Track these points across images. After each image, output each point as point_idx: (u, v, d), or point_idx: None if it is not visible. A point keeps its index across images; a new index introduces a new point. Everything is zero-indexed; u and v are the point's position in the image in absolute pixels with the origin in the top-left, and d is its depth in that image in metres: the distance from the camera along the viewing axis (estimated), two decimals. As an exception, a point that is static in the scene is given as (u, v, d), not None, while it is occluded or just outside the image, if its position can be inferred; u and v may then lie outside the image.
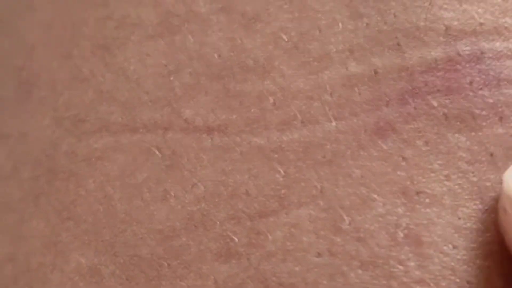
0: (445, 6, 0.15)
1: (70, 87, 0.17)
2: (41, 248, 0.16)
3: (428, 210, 0.14)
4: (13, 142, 0.18)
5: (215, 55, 0.16)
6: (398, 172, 0.14)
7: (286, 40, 0.16)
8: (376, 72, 0.15)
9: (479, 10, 0.15)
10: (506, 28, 0.15)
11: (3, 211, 0.17)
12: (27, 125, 0.17)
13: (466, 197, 0.14)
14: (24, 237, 0.16)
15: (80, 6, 0.18)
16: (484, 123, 0.14)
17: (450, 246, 0.14)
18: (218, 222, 0.15)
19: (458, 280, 0.14)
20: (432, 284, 0.14)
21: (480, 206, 0.14)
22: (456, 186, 0.14)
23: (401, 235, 0.14)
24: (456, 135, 0.14)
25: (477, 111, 0.15)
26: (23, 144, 0.17)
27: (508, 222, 0.13)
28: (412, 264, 0.14)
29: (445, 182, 0.14)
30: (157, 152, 0.16)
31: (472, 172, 0.14)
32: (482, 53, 0.15)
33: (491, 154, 0.14)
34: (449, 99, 0.15)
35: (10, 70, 0.18)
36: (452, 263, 0.14)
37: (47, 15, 0.18)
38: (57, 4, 0.18)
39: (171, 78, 0.16)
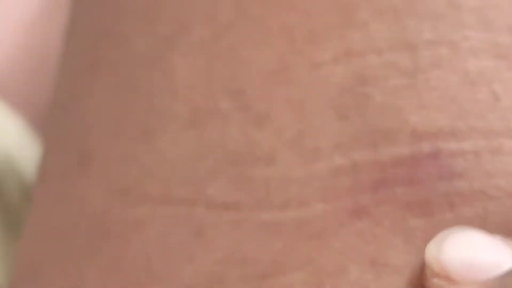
0: (412, 112, 0.19)
1: (120, 162, 0.22)
2: None
3: (391, 278, 0.18)
4: (74, 205, 0.22)
5: (233, 146, 0.20)
6: (370, 247, 0.19)
7: (287, 136, 0.20)
8: (355, 165, 0.19)
9: (440, 115, 0.19)
10: (460, 131, 0.19)
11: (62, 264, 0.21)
12: (86, 190, 0.22)
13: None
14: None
15: (129, 96, 0.22)
16: (437, 210, 0.19)
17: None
18: (231, 281, 0.19)
19: None
20: None
21: None
22: (413, 259, 0.18)
23: None
24: (416, 219, 0.19)
25: (433, 199, 0.19)
26: (80, 207, 0.22)
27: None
28: None
29: (406, 256, 0.19)
30: (186, 222, 0.20)
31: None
32: (439, 151, 0.19)
33: None
34: (411, 189, 0.19)
35: (72, 145, 0.23)
36: None
37: (103, 100, 0.23)
38: (111, 92, 0.23)
39: (198, 162, 0.21)
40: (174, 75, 0.21)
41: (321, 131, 0.20)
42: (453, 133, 0.19)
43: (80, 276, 0.21)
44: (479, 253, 0.17)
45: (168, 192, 0.20)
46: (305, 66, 0.20)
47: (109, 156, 0.22)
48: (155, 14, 0.22)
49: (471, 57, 0.20)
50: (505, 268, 0.17)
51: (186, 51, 0.21)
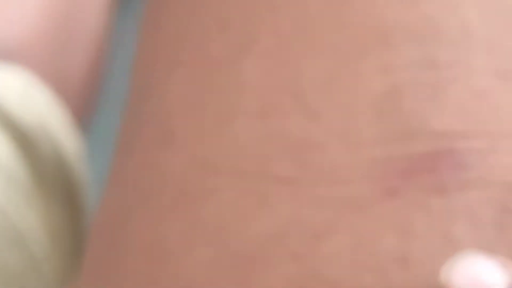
0: (433, 117, 0.25)
1: (198, 141, 0.27)
2: None
3: (414, 243, 0.24)
4: (158, 172, 0.28)
5: (293, 134, 0.26)
6: (399, 219, 0.25)
7: (337, 130, 0.26)
8: (390, 156, 0.25)
9: (454, 120, 0.25)
10: (470, 132, 0.25)
11: None
12: (168, 161, 0.27)
13: None
14: None
15: (205, 91, 0.28)
16: (452, 193, 0.25)
17: None
18: (290, 239, 0.25)
19: None
20: None
21: None
22: (433, 228, 0.24)
23: None
24: (435, 199, 0.25)
25: (449, 185, 0.25)
26: (163, 175, 0.27)
27: None
28: None
29: (427, 226, 0.25)
30: (254, 192, 0.26)
31: None
32: (454, 148, 0.25)
33: None
34: (433, 176, 0.25)
35: (155, 125, 0.28)
36: None
37: (181, 91, 0.28)
38: (188, 85, 0.28)
39: (264, 145, 0.26)
40: (244, 76, 0.27)
41: (363, 128, 0.25)
42: (465, 134, 0.25)
43: (164, 229, 0.26)
44: (482, 274, 0.22)
45: (239, 166, 0.26)
46: (352, 75, 0.26)
47: (188, 136, 0.27)
48: (227, 24, 0.28)
49: (480, 76, 0.26)
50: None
51: (254, 57, 0.27)
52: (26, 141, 0.42)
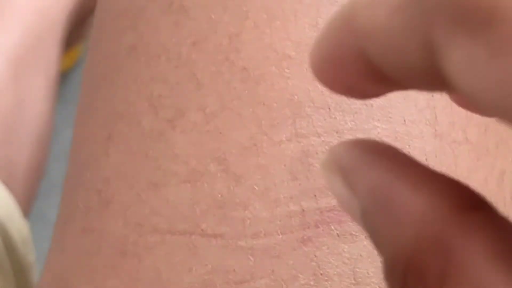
0: None
1: (134, 204, 0.30)
2: None
3: (327, 283, 0.28)
4: (97, 234, 0.31)
5: (219, 195, 0.30)
6: (312, 263, 0.28)
7: (257, 190, 0.29)
8: (303, 210, 0.29)
9: None
10: None
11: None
12: (106, 224, 0.31)
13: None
14: None
15: (139, 159, 0.31)
16: (358, 238, 0.28)
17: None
18: (217, 285, 0.28)
19: None
20: None
21: None
22: (345, 271, 0.28)
23: None
24: (344, 245, 0.28)
25: (354, 232, 0.29)
26: (102, 235, 0.31)
27: None
28: None
29: (338, 269, 0.28)
30: (185, 246, 0.29)
31: None
32: None
33: None
34: (340, 226, 0.29)
35: (92, 192, 0.32)
36: None
37: (117, 161, 0.32)
38: (124, 155, 0.32)
39: (194, 206, 0.30)
40: (174, 146, 0.31)
41: (280, 187, 0.29)
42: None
43: (105, 285, 0.29)
44: None
45: (172, 225, 0.29)
46: (269, 143, 0.30)
47: (124, 201, 0.31)
48: (157, 101, 0.32)
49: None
50: None
51: (183, 129, 0.31)
52: None
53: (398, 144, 0.29)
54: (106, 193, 0.31)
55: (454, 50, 0.14)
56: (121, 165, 0.31)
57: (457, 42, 0.14)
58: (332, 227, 0.28)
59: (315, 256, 0.27)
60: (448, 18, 0.14)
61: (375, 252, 0.26)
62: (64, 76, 0.74)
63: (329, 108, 0.30)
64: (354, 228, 0.28)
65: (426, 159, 0.29)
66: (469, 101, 0.14)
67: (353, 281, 0.27)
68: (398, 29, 0.15)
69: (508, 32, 0.13)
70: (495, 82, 0.13)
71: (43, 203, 0.61)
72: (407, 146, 0.29)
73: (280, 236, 0.28)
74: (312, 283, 0.27)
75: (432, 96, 0.31)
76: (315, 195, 0.28)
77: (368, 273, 0.27)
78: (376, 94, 0.18)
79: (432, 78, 0.15)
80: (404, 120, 0.30)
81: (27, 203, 0.52)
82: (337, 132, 0.29)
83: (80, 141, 0.34)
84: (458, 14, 0.14)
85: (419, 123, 0.30)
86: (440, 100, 0.31)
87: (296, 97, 0.30)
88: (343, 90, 0.17)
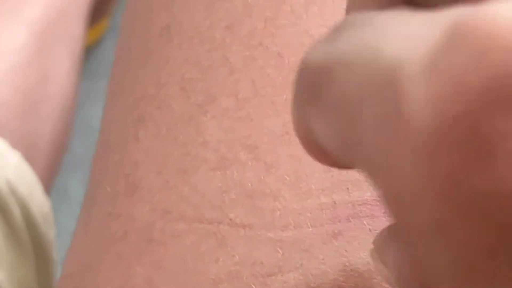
0: None
1: (162, 191, 0.30)
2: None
3: (357, 279, 0.27)
4: (123, 220, 0.30)
5: (248, 184, 0.29)
6: (343, 258, 0.28)
7: (288, 180, 0.29)
8: (335, 203, 0.28)
9: None
10: None
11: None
12: (133, 209, 0.30)
13: None
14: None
15: (169, 143, 0.31)
16: None
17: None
18: (244, 277, 0.28)
19: None
20: None
21: None
22: (372, 266, 0.27)
23: None
24: None
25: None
26: (129, 222, 0.30)
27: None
28: None
29: (367, 265, 0.27)
30: (213, 235, 0.29)
31: None
32: None
33: None
34: (372, 221, 0.28)
35: (120, 176, 0.31)
36: None
37: (147, 144, 0.31)
38: (154, 139, 0.31)
39: (222, 194, 0.29)
40: (204, 131, 0.30)
41: (312, 178, 0.28)
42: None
43: (129, 272, 0.29)
44: None
45: (199, 214, 0.29)
46: None
47: (152, 186, 0.30)
48: (188, 85, 0.31)
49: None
50: None
51: (214, 115, 0.30)
52: None
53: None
54: (134, 177, 0.30)
55: None
56: (150, 150, 0.30)
57: None
58: (364, 222, 0.27)
59: (346, 251, 0.27)
60: None
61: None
62: (88, 52, 0.73)
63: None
64: (387, 224, 0.27)
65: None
66: None
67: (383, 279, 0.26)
68: None
69: None
70: None
71: (66, 179, 0.61)
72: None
73: (310, 229, 0.27)
74: (341, 279, 0.26)
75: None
76: (347, 188, 0.28)
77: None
78: None
79: None
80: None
81: (49, 179, 0.51)
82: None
83: (110, 122, 0.33)
84: None
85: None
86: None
87: None
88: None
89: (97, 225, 0.31)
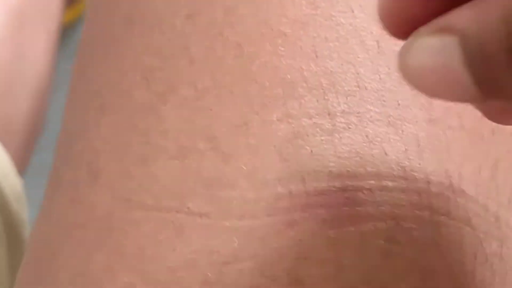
0: (330, 160, 0.29)
1: (122, 179, 0.30)
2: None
3: (311, 268, 0.28)
4: (84, 207, 0.31)
5: (206, 174, 0.29)
6: (298, 247, 0.28)
7: (245, 170, 0.29)
8: (290, 193, 0.29)
9: (347, 163, 0.29)
10: (360, 174, 0.29)
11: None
12: (94, 197, 0.31)
13: None
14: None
15: (129, 132, 0.31)
16: (343, 224, 0.28)
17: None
18: (201, 265, 0.28)
19: None
20: None
21: None
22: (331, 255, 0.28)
23: None
24: (329, 230, 0.28)
25: (340, 218, 0.28)
26: (89, 210, 0.30)
27: None
28: None
29: (326, 253, 0.28)
30: (171, 224, 0.29)
31: None
32: (346, 187, 0.29)
33: None
34: (327, 211, 0.28)
35: (82, 164, 0.31)
36: None
37: (108, 133, 0.31)
38: (114, 128, 0.31)
39: (181, 183, 0.29)
40: (164, 121, 0.30)
41: (269, 168, 0.29)
42: (356, 175, 0.29)
43: (89, 259, 0.29)
44: None
45: (158, 202, 0.29)
46: (260, 122, 0.29)
47: (113, 174, 0.30)
48: (149, 75, 0.31)
49: (370, 124, 0.29)
50: None
51: (174, 104, 0.30)
52: None
53: (391, 129, 0.29)
54: (95, 165, 0.30)
55: None
56: (112, 138, 0.31)
57: None
58: (319, 212, 0.27)
59: (300, 240, 0.27)
60: None
61: (361, 239, 0.26)
62: (67, 33, 0.73)
63: (322, 89, 0.29)
64: (343, 214, 0.28)
65: (419, 144, 0.29)
66: None
67: (336, 268, 0.27)
68: None
69: None
70: None
71: (45, 157, 0.61)
72: (400, 131, 0.29)
73: (266, 219, 0.28)
74: (296, 267, 0.27)
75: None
76: (303, 178, 0.28)
77: (352, 261, 0.27)
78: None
79: None
80: (398, 104, 0.29)
81: (23, 159, 0.52)
82: (329, 114, 0.29)
83: (73, 109, 0.34)
84: None
85: (413, 107, 0.30)
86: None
87: (289, 76, 0.30)
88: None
89: (58, 212, 0.31)
